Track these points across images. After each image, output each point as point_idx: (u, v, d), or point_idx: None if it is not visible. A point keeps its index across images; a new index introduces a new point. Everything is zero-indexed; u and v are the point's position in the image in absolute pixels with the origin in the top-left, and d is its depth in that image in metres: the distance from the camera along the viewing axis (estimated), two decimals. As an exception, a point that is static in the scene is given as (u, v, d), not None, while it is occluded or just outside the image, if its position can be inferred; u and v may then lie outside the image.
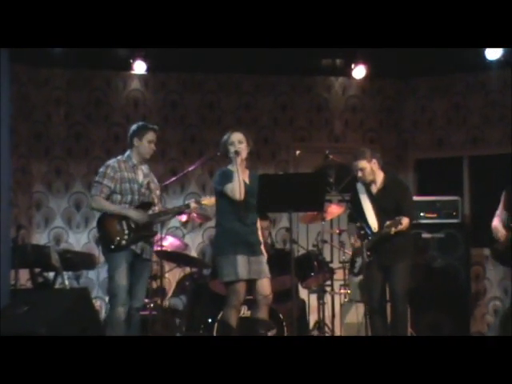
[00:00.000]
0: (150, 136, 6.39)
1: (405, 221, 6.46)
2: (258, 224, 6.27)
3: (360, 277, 7.20)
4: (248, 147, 6.17)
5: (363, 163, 6.65)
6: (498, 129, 9.48)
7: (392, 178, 6.86)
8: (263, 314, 6.17)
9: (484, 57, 8.33)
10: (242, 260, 6.02)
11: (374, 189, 6.74)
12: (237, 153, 6.05)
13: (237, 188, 5.95)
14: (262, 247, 6.21)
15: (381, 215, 6.58)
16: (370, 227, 6.62)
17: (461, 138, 9.71)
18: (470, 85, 9.65)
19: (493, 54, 8.30)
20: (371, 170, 6.67)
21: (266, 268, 6.14)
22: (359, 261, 6.72)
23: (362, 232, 6.59)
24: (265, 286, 6.14)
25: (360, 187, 6.81)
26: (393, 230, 6.40)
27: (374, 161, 6.68)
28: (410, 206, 6.68)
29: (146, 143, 6.37)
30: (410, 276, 6.66)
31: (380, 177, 6.74)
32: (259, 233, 6.25)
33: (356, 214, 6.75)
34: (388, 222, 6.42)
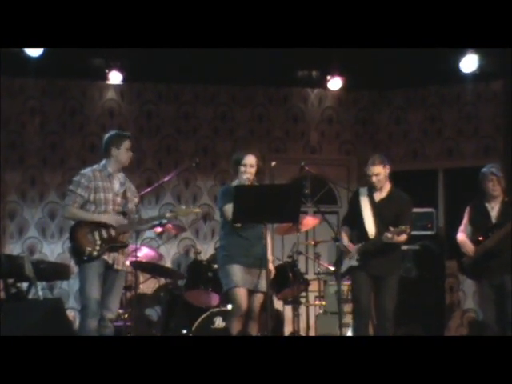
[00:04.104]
0: (128, 144, 6.36)
1: (406, 233, 6.40)
2: (269, 240, 6.16)
3: (335, 288, 7.17)
4: (257, 168, 6.37)
5: (379, 168, 6.55)
6: (472, 141, 9.55)
7: (397, 190, 6.72)
8: (251, 329, 6.21)
9: (459, 69, 8.39)
10: (237, 269, 6.07)
11: (378, 197, 6.63)
12: (247, 179, 6.23)
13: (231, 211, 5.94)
14: (269, 264, 6.07)
15: (379, 224, 6.51)
16: (366, 233, 6.53)
17: (436, 150, 9.76)
18: (445, 97, 9.70)
19: (468, 66, 8.36)
20: (385, 176, 6.59)
21: (262, 282, 6.06)
22: (347, 263, 6.60)
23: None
24: (256, 300, 6.17)
25: (362, 192, 6.72)
26: (395, 238, 6.33)
27: (388, 167, 6.61)
28: (409, 220, 6.54)
29: (124, 151, 6.34)
30: (398, 292, 6.57)
31: (387, 186, 6.65)
32: (267, 248, 6.07)
33: (353, 217, 6.67)
34: (392, 229, 6.30)
